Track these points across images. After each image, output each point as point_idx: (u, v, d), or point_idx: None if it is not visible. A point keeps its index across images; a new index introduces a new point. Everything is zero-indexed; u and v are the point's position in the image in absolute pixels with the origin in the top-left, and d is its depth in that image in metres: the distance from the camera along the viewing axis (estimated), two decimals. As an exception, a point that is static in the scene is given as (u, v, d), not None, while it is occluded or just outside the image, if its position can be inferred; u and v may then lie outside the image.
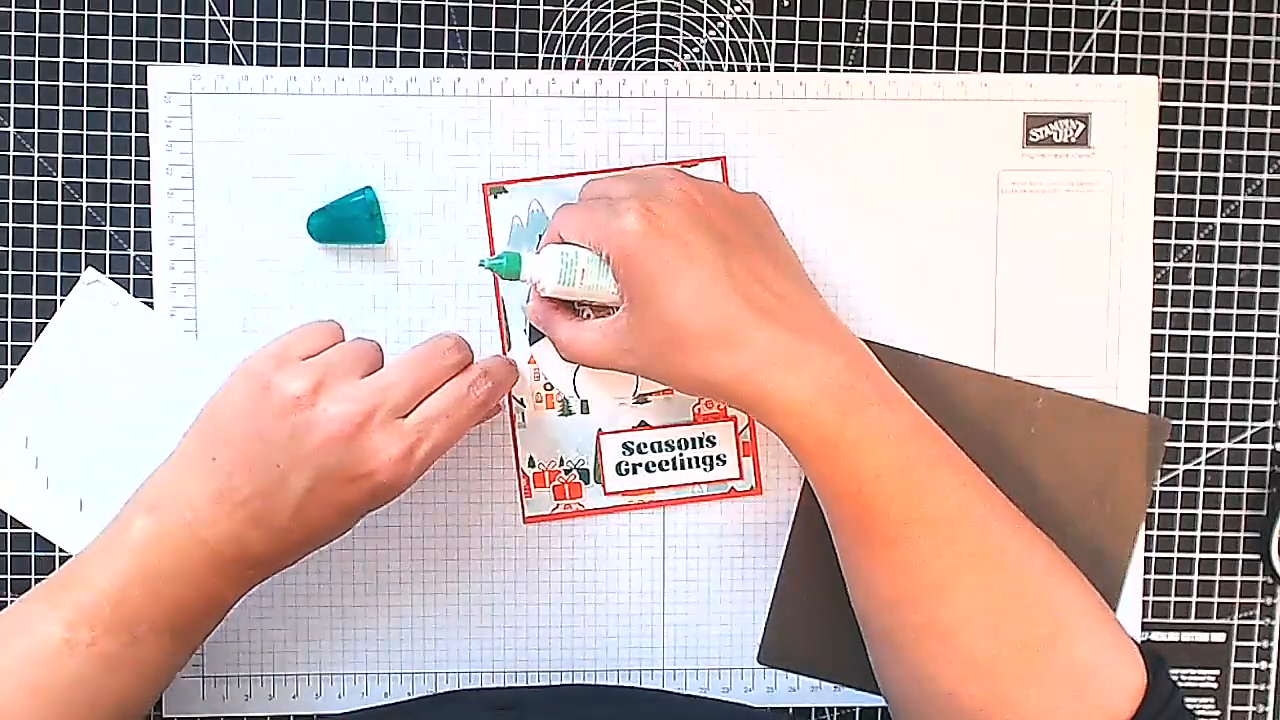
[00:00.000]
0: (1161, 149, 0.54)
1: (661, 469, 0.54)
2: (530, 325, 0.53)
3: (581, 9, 0.52)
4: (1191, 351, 0.55)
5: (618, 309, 0.46)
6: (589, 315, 0.49)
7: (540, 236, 0.51)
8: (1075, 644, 0.44)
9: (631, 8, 0.53)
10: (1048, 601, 0.44)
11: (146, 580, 0.42)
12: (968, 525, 0.44)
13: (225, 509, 0.42)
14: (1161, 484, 0.55)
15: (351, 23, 0.52)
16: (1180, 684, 0.55)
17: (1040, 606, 0.44)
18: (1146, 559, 0.55)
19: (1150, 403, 0.54)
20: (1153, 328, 0.55)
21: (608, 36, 0.53)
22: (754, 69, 0.53)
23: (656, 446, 0.53)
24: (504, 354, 0.52)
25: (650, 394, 0.53)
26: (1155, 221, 0.54)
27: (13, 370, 0.52)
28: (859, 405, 0.43)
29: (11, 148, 0.51)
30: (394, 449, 0.43)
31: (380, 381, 0.44)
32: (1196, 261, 0.55)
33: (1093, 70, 0.54)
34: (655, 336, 0.44)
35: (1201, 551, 0.55)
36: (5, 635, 0.43)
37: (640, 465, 0.53)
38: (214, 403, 0.45)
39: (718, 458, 0.54)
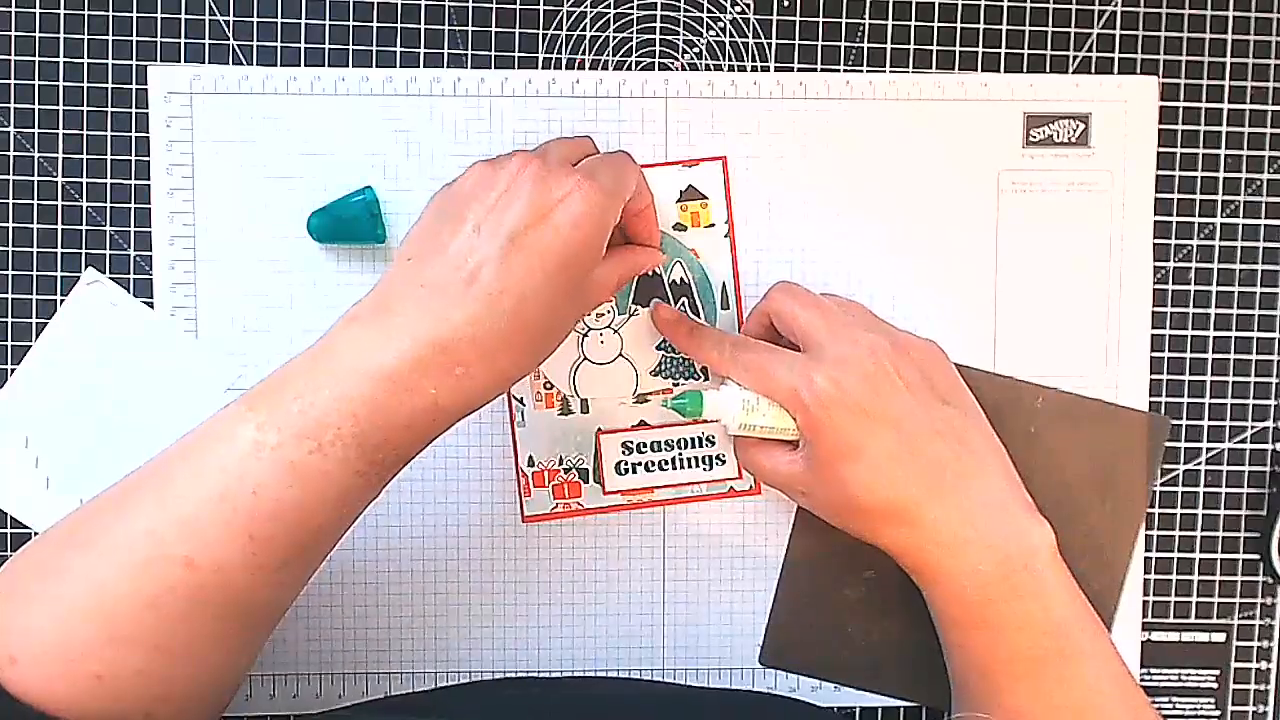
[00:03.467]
0: (1161, 149, 0.54)
1: (661, 469, 0.54)
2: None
3: (581, 9, 0.53)
4: (1191, 351, 0.55)
5: (798, 444, 0.47)
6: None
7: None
8: None
9: (631, 8, 0.53)
10: None
11: (338, 385, 0.39)
12: (1090, 714, 0.45)
13: (429, 292, 0.40)
14: (1161, 484, 0.55)
15: (351, 23, 0.52)
16: (1181, 684, 0.55)
17: None
18: (1146, 559, 0.55)
19: (1150, 403, 0.54)
20: (1153, 328, 0.54)
21: (608, 36, 0.53)
22: (754, 69, 0.53)
23: (656, 446, 0.53)
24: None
25: (650, 394, 0.53)
26: (1155, 221, 0.54)
27: (13, 370, 0.52)
28: (1013, 594, 0.44)
29: (11, 148, 0.51)
30: (571, 181, 0.42)
31: (526, 156, 0.44)
32: (1196, 261, 0.55)
33: (1093, 70, 0.54)
34: (832, 495, 0.46)
35: (1201, 551, 0.55)
36: (203, 436, 0.41)
37: (640, 465, 0.53)
38: (410, 231, 0.44)
39: (717, 457, 0.54)
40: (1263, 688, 0.56)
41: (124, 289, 0.52)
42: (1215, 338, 0.55)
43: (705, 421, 0.53)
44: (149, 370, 0.52)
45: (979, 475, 0.46)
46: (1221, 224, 0.55)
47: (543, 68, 0.53)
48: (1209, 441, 0.55)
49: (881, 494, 0.45)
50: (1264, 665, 0.56)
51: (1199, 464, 0.55)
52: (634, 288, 0.53)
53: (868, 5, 0.53)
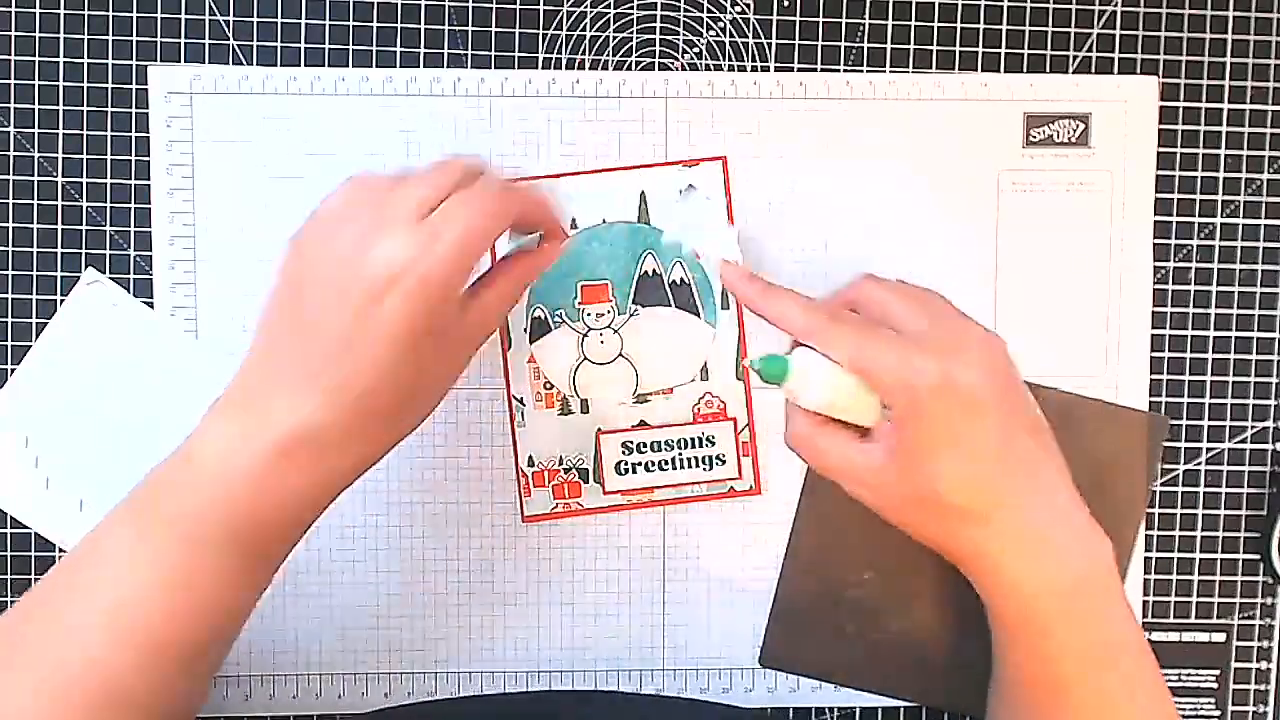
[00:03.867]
0: (1161, 149, 0.54)
1: (661, 469, 0.54)
2: (532, 323, 0.53)
3: (581, 9, 0.53)
4: (1191, 351, 0.55)
5: (866, 432, 0.44)
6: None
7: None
8: None
9: (631, 8, 0.53)
10: None
11: (212, 486, 0.39)
12: None
13: (284, 388, 0.40)
14: (1161, 484, 0.55)
15: (351, 23, 0.52)
16: (1180, 684, 0.55)
17: None
18: (1146, 559, 0.55)
19: (1150, 403, 0.54)
20: (1153, 328, 0.54)
21: (608, 36, 0.53)
22: (754, 69, 0.53)
23: (656, 446, 0.53)
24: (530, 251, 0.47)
25: (650, 394, 0.53)
26: (1155, 221, 0.54)
27: (13, 370, 0.52)
28: (1079, 614, 0.43)
29: (11, 148, 0.51)
30: (408, 245, 0.39)
31: (380, 198, 0.41)
32: (1196, 261, 0.55)
33: (1093, 70, 0.54)
34: (907, 490, 0.43)
35: (1201, 551, 0.55)
36: (85, 546, 0.41)
37: (640, 465, 0.53)
38: (263, 308, 0.43)
39: (717, 457, 0.54)
40: (1263, 688, 0.56)
41: (124, 289, 0.52)
42: (1215, 338, 0.55)
43: (704, 421, 0.53)
44: (149, 370, 0.52)
45: (1059, 482, 0.44)
46: (1221, 224, 0.55)
47: (543, 68, 0.53)
48: (1209, 441, 0.55)
49: (969, 492, 0.42)
50: (1264, 665, 0.56)
51: (1199, 464, 0.55)
52: (634, 287, 0.53)
53: (868, 5, 0.53)
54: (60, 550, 0.52)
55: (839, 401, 0.43)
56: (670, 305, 0.53)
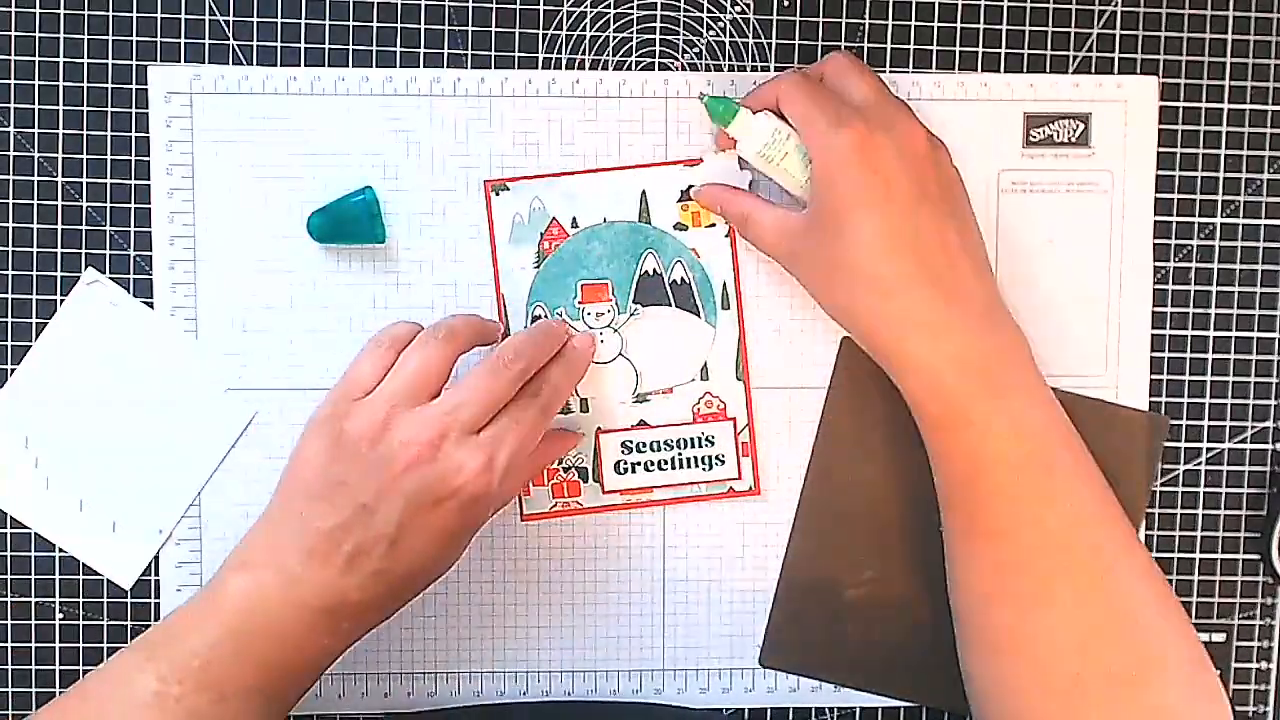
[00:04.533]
0: (1161, 149, 0.54)
1: (660, 468, 0.54)
2: (532, 321, 0.53)
3: (581, 9, 0.53)
4: (1191, 351, 0.55)
5: (800, 206, 0.47)
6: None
7: (544, 218, 0.52)
8: (1166, 689, 0.43)
9: (631, 8, 0.53)
10: (1144, 637, 0.44)
11: (236, 638, 0.42)
12: (1076, 540, 0.44)
13: (317, 561, 0.42)
14: (1161, 484, 0.55)
15: (351, 23, 0.52)
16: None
17: (1135, 640, 0.43)
18: (1146, 559, 0.55)
19: (1150, 403, 0.54)
20: (1153, 328, 0.54)
21: (608, 36, 0.53)
22: (754, 69, 0.53)
23: (655, 446, 0.53)
24: (578, 335, 0.50)
25: (650, 393, 0.53)
26: (1155, 221, 0.54)
27: (13, 370, 0.52)
28: (993, 390, 0.43)
29: (11, 148, 0.51)
30: (472, 462, 0.43)
31: (446, 405, 0.44)
32: (1196, 261, 0.55)
33: (1093, 70, 0.54)
34: (825, 255, 0.45)
35: (1201, 551, 0.55)
36: (103, 684, 0.42)
37: (639, 464, 0.53)
38: (294, 461, 0.45)
39: (716, 458, 0.54)
40: (1263, 688, 0.56)
41: (124, 289, 0.52)
42: (1215, 338, 0.55)
43: (704, 421, 0.53)
44: (149, 370, 0.52)
45: (970, 269, 0.45)
46: (1221, 224, 0.55)
47: (543, 68, 0.53)
48: (1209, 441, 0.55)
49: (878, 258, 0.44)
50: (1264, 665, 0.56)
51: (1199, 464, 0.55)
52: (634, 287, 0.53)
53: (868, 5, 0.53)
54: (60, 550, 0.52)
55: (776, 156, 0.48)
56: (670, 305, 0.53)
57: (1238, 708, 0.56)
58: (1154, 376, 0.55)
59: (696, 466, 0.54)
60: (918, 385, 0.45)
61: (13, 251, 0.52)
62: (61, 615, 0.53)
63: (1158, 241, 0.54)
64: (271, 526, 0.44)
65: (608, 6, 0.53)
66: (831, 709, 0.55)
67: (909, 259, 0.44)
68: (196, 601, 0.43)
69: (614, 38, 0.53)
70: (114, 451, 0.52)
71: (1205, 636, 0.55)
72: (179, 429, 0.52)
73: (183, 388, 0.52)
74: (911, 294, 0.44)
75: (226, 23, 0.52)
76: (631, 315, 0.53)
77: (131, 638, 0.52)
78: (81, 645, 0.53)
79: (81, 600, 0.52)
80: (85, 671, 0.52)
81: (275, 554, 0.42)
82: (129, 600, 0.53)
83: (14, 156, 0.51)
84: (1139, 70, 0.54)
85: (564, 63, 0.53)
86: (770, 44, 0.53)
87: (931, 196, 0.45)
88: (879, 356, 0.46)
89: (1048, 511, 0.44)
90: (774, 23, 0.53)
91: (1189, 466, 0.55)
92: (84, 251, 0.52)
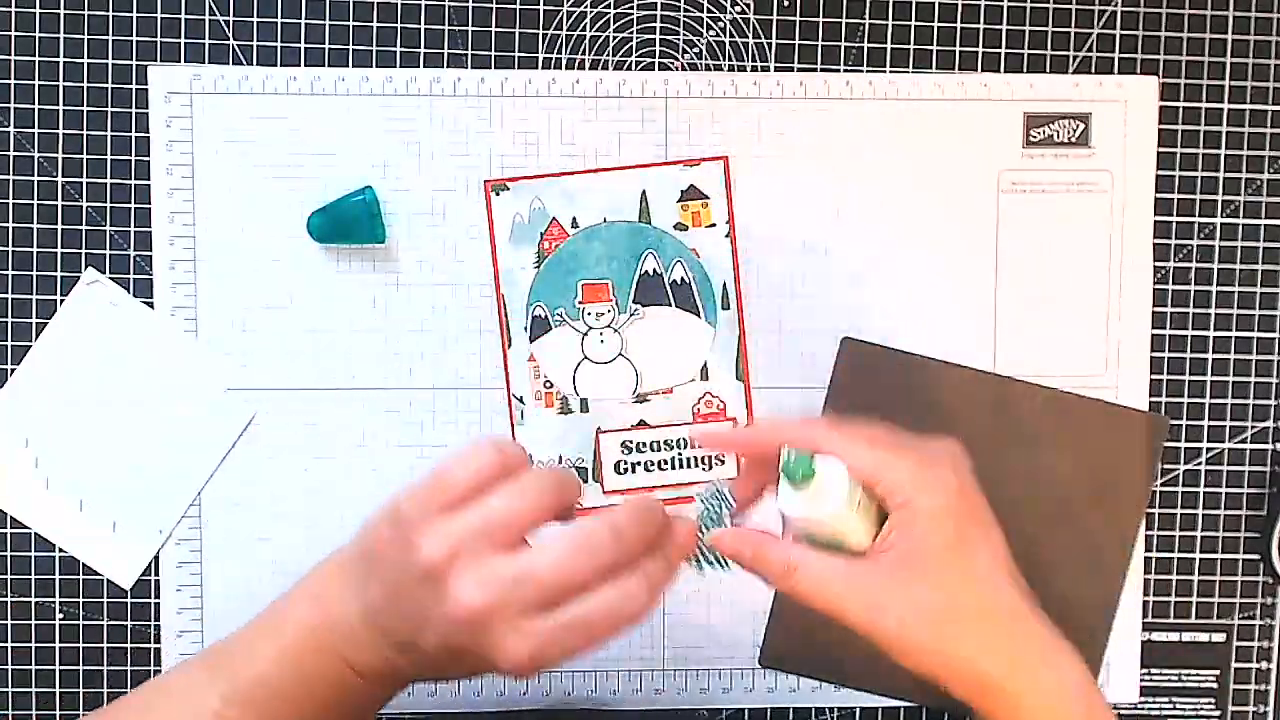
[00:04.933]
0: (1161, 149, 0.54)
1: (660, 468, 0.54)
2: (532, 321, 0.53)
3: (581, 9, 0.53)
4: (1191, 351, 0.55)
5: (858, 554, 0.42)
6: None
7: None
8: None
9: (631, 8, 0.53)
10: None
11: (296, 667, 0.41)
12: None
13: (373, 634, 0.41)
14: (1161, 484, 0.55)
15: (351, 23, 0.52)
16: (1181, 684, 0.55)
17: None
18: (1146, 559, 0.55)
19: (1150, 403, 0.54)
20: (1153, 328, 0.54)
21: (608, 36, 0.53)
22: (754, 69, 0.53)
23: (655, 446, 0.53)
24: (679, 519, 0.43)
25: (650, 393, 0.53)
26: (1155, 221, 0.54)
27: (13, 370, 0.52)
28: (1096, 713, 0.42)
29: (11, 148, 0.51)
30: (520, 650, 0.38)
31: (519, 568, 0.38)
32: (1196, 261, 0.55)
33: (1093, 70, 0.54)
34: (926, 600, 0.41)
35: (1201, 551, 0.55)
36: (168, 696, 0.43)
37: (639, 464, 0.53)
38: (369, 526, 0.42)
39: (716, 458, 0.54)
40: (1263, 688, 0.56)
41: (124, 289, 0.52)
42: (1215, 338, 0.55)
43: (704, 421, 0.53)
44: (149, 370, 0.52)
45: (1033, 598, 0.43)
46: (1221, 224, 0.55)
47: (543, 68, 0.53)
48: (1209, 441, 0.55)
49: (995, 593, 0.41)
50: (1264, 665, 0.56)
51: (1199, 464, 0.55)
52: (634, 287, 0.53)
53: (868, 5, 0.53)
54: (60, 550, 0.52)
55: (849, 513, 0.41)
56: (671, 305, 0.53)
57: (1238, 708, 0.56)
58: (1154, 376, 0.55)
59: (696, 466, 0.54)
60: (1038, 714, 0.42)
61: (13, 251, 0.52)
62: (61, 615, 0.53)
63: (1158, 241, 0.54)
64: (343, 574, 0.42)
65: (608, 6, 0.53)
66: (831, 709, 0.55)
67: (1015, 590, 0.42)
68: (262, 621, 0.43)
69: (614, 38, 0.53)
70: (114, 451, 0.52)
71: (1205, 636, 0.55)
72: (179, 429, 0.52)
73: (183, 388, 0.52)
74: (1023, 626, 0.42)
75: (226, 23, 0.52)
76: (631, 315, 0.53)
77: (131, 638, 0.52)
78: (81, 645, 0.53)
79: (81, 600, 0.52)
80: (85, 672, 0.52)
81: (340, 605, 0.41)
82: (129, 600, 0.53)
83: (14, 156, 0.51)
84: (1139, 70, 0.54)
85: (564, 63, 0.53)
86: (770, 44, 0.53)
87: (995, 530, 0.43)
88: (978, 696, 0.42)
89: None
90: (774, 23, 0.53)
91: (1189, 466, 0.55)
92: (84, 251, 0.52)
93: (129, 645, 0.53)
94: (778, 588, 0.43)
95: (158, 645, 0.52)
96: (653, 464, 0.53)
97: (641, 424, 0.53)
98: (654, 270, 0.53)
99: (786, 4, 0.53)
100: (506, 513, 0.40)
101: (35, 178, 0.52)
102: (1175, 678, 0.55)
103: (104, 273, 0.52)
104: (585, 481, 0.53)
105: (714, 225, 0.53)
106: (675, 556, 0.42)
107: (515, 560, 0.39)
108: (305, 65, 0.52)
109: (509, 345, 0.53)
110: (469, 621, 0.38)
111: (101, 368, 0.52)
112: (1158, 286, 0.55)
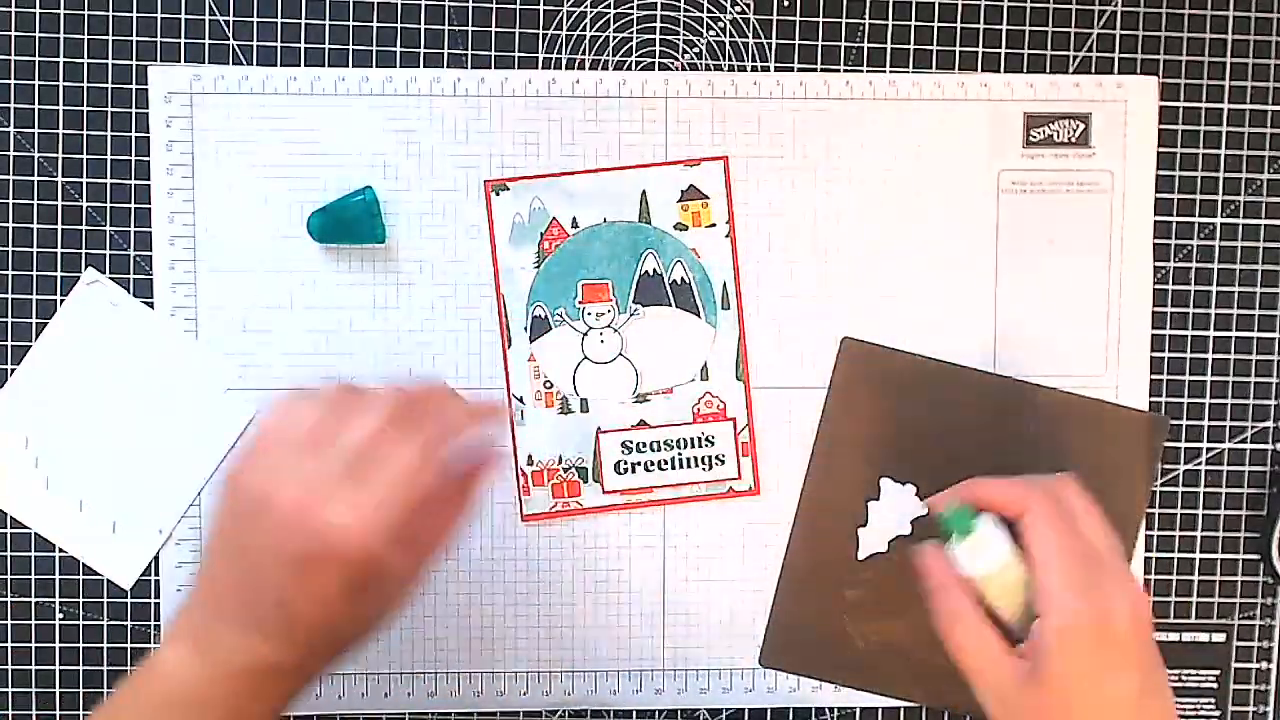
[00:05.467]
0: (1161, 149, 0.54)
1: (660, 468, 0.54)
2: (532, 321, 0.53)
3: (581, 9, 0.53)
4: (1191, 351, 0.55)
5: (1010, 629, 0.43)
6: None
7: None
8: None
9: (631, 8, 0.53)
10: None
11: (174, 710, 0.40)
12: None
13: (217, 619, 0.40)
14: (1161, 484, 0.55)
15: (351, 23, 0.52)
16: (1180, 684, 0.55)
17: None
18: (1146, 559, 0.55)
19: (1150, 403, 0.54)
20: (1153, 328, 0.54)
21: (608, 36, 0.53)
22: (754, 69, 0.53)
23: (655, 446, 0.53)
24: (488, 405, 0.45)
25: (650, 393, 0.53)
26: (1155, 221, 0.54)
27: (13, 370, 0.52)
28: None
29: (11, 148, 0.51)
30: (345, 518, 0.38)
31: (320, 458, 0.39)
32: (1196, 261, 0.55)
33: (1093, 70, 0.54)
34: (1044, 713, 0.41)
35: (1201, 551, 0.55)
36: None
37: (639, 464, 0.53)
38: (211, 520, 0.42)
39: (716, 458, 0.54)
40: (1263, 688, 0.56)
41: (124, 289, 0.52)
42: (1215, 338, 0.55)
43: (704, 421, 0.53)
44: (149, 370, 0.52)
45: None
46: (1221, 224, 0.55)
47: (543, 68, 0.53)
48: (1209, 441, 0.55)
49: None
50: (1264, 665, 0.56)
51: (1199, 464, 0.55)
52: (634, 287, 0.53)
53: (868, 5, 0.53)
54: (60, 550, 0.52)
55: (1001, 581, 0.42)
56: (671, 305, 0.53)
57: (1238, 708, 0.56)
58: (1154, 376, 0.55)
59: (696, 466, 0.54)
60: None
61: (13, 251, 0.52)
62: (61, 615, 0.53)
63: (1158, 241, 0.54)
64: (190, 603, 0.42)
65: (608, 6, 0.53)
66: (831, 709, 0.55)
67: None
68: (133, 677, 0.41)
69: (614, 38, 0.53)
70: (114, 451, 0.52)
71: (1205, 636, 0.55)
72: (179, 429, 0.52)
73: (183, 388, 0.52)
74: None
75: (226, 23, 0.52)
76: (632, 315, 0.53)
77: (131, 638, 0.53)
78: (81, 645, 0.53)
79: (81, 600, 0.52)
80: (85, 672, 0.53)
81: (192, 626, 0.41)
82: (129, 600, 0.53)
83: (14, 156, 0.51)
84: (1139, 70, 0.54)
85: (564, 63, 0.53)
86: (770, 44, 0.53)
87: (1146, 664, 0.42)
88: None
89: None
90: (774, 23, 0.53)
91: (1189, 466, 0.55)
92: (84, 251, 0.52)
93: (129, 645, 0.53)
94: (936, 626, 0.44)
95: (157, 645, 0.52)
96: (653, 464, 0.54)
97: (641, 424, 0.53)
98: (654, 270, 0.53)
99: (786, 4, 0.53)
100: (350, 439, 0.40)
101: (35, 178, 0.52)
102: (1175, 678, 0.55)
103: (104, 273, 0.52)
104: (585, 481, 0.54)
105: (714, 225, 0.53)
106: (455, 423, 0.42)
107: (317, 454, 0.39)
108: (305, 65, 0.52)
109: (509, 345, 0.53)
110: (295, 513, 0.38)
111: (101, 368, 0.52)
112: (1158, 286, 0.55)
